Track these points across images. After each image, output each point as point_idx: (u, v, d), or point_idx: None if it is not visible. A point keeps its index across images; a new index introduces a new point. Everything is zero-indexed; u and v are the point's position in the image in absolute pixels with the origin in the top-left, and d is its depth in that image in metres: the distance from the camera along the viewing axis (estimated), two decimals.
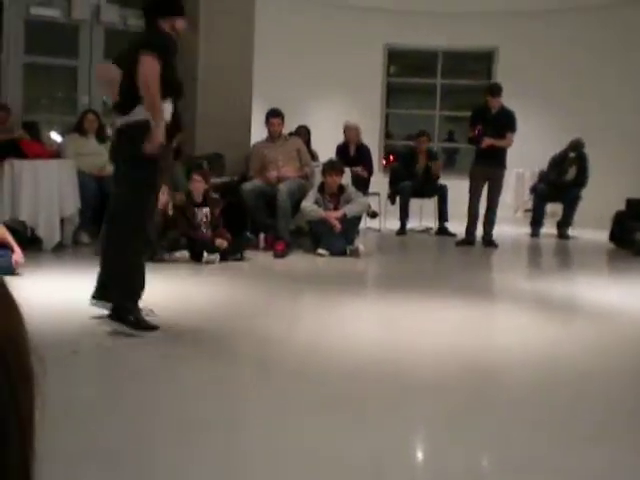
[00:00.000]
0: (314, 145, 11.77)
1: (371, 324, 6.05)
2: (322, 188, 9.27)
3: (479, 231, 10.32)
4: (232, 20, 10.66)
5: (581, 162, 11.68)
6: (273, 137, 9.82)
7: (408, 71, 16.41)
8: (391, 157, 14.95)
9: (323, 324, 5.77)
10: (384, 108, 15.55)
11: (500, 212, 10.60)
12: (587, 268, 9.33)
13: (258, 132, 10.57)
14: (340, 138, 11.98)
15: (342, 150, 11.79)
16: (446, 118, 16.16)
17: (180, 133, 10.37)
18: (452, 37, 14.61)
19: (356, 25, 14.40)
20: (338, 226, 8.97)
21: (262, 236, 9.48)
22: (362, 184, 11.13)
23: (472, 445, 3.47)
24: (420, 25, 14.52)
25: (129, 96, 5.19)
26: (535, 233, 11.60)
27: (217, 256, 8.16)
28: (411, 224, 11.67)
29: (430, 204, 11.70)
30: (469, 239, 10.31)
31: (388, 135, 15.95)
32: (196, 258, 8.11)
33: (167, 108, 5.29)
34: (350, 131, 11.91)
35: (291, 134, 10.57)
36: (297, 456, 3.26)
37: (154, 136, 5.04)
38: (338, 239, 9.00)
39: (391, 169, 12.56)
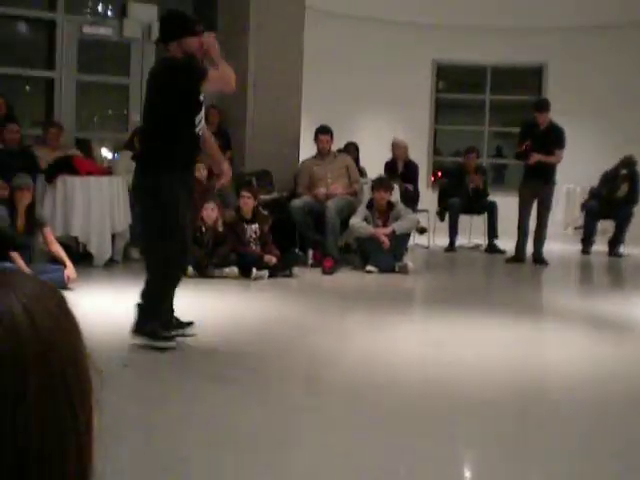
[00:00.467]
0: (362, 162, 11.78)
1: (420, 342, 6.01)
2: (371, 205, 9.26)
3: (529, 248, 10.22)
4: (281, 38, 10.72)
5: (633, 179, 11.53)
6: (322, 154, 9.84)
7: (457, 87, 16.35)
8: (439, 174, 14.89)
9: (372, 341, 5.75)
10: (432, 124, 15.51)
11: (550, 229, 10.48)
12: (639, 287, 9.18)
13: (307, 149, 10.60)
14: (388, 155, 11.97)
15: (390, 167, 11.78)
16: (495, 134, 16.06)
17: (229, 150, 10.51)
18: (501, 52, 14.54)
19: (405, 41, 14.39)
20: (387, 243, 8.95)
21: (311, 253, 9.49)
22: (411, 201, 11.10)
23: (520, 464, 3.43)
24: (469, 40, 14.47)
25: (151, 124, 5.30)
26: (586, 251, 11.45)
27: (266, 272, 8.18)
28: (460, 241, 11.59)
29: (479, 221, 11.62)
30: (519, 256, 10.21)
31: (436, 151, 15.89)
32: (245, 274, 8.14)
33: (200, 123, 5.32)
34: (398, 148, 11.90)
35: (340, 151, 10.58)
36: (345, 473, 3.25)
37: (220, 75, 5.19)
38: (387, 256, 8.97)
39: (440, 185, 12.51)
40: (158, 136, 5.14)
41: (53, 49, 10.80)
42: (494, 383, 4.68)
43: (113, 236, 8.80)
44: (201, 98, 5.24)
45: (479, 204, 11.54)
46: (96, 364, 0.92)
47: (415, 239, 10.99)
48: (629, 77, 13.94)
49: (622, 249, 11.34)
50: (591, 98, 14.11)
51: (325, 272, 8.77)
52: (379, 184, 9.36)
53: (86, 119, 12.04)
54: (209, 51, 5.21)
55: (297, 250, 9.50)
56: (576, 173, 12.48)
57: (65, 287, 6.95)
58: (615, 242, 11.41)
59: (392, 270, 8.91)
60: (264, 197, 9.42)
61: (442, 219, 11.72)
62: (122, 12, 11.17)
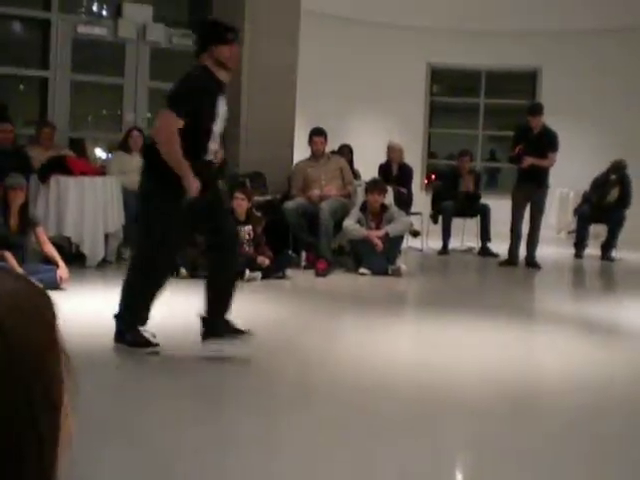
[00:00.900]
0: (356, 164, 11.79)
1: (412, 345, 6.02)
2: (364, 207, 9.27)
3: (522, 251, 10.24)
4: (276, 40, 10.72)
5: (623, 184, 11.56)
6: (316, 156, 9.84)
7: (451, 90, 16.38)
8: (433, 176, 14.92)
9: (364, 344, 5.75)
10: (427, 127, 15.53)
11: (543, 232, 10.50)
12: (631, 291, 9.20)
13: (301, 151, 10.60)
14: (382, 157, 11.98)
15: (385, 169, 11.79)
16: (489, 138, 16.09)
17: (222, 150, 10.49)
18: (496, 56, 14.58)
19: (400, 44, 14.41)
20: (380, 245, 8.95)
21: (304, 255, 9.50)
22: (404, 203, 11.12)
23: (513, 468, 3.43)
24: (463, 44, 14.50)
25: None
26: (579, 254, 11.48)
27: (259, 274, 8.18)
28: (453, 244, 11.60)
29: (473, 224, 11.64)
30: (512, 259, 10.23)
31: (431, 154, 15.91)
32: (238, 275, 8.13)
33: (212, 147, 5.13)
34: (394, 151, 11.92)
35: (334, 153, 10.59)
36: (332, 476, 3.25)
37: (186, 187, 4.88)
38: (380, 258, 8.98)
39: (434, 188, 12.51)
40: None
41: (47, 49, 10.79)
42: (487, 386, 4.69)
43: (106, 236, 8.79)
44: (217, 110, 5.03)
45: (472, 207, 11.56)
46: (70, 365, 0.88)
47: (408, 242, 10.99)
48: (623, 81, 13.98)
49: (614, 253, 11.37)
50: (585, 102, 14.15)
51: (318, 274, 8.77)
52: (373, 186, 9.37)
53: (80, 119, 12.03)
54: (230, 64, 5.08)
55: (290, 252, 9.49)
56: (569, 177, 12.52)
57: (57, 287, 6.94)
58: (607, 246, 11.44)
59: (385, 273, 8.91)
60: (258, 199, 9.42)
61: (435, 222, 11.73)
62: (117, 12, 11.17)
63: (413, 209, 11.65)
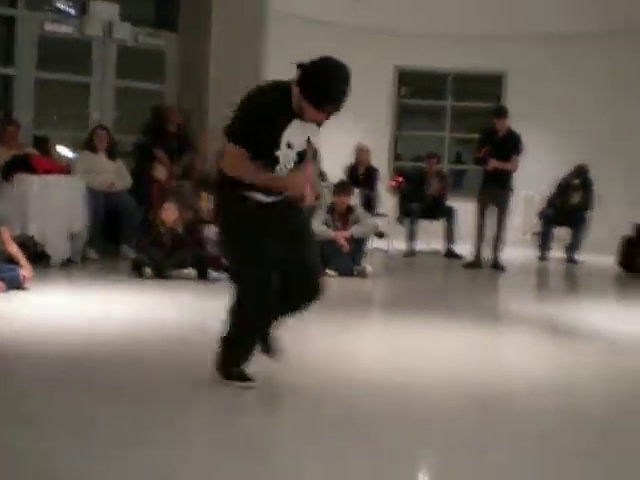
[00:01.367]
0: (323, 165, 11.80)
1: (377, 347, 6.02)
2: (331, 208, 9.28)
3: (487, 253, 10.30)
4: (243, 39, 10.71)
5: (586, 188, 11.71)
6: None
7: (419, 93, 16.44)
8: (400, 178, 14.96)
9: (330, 345, 5.74)
10: (394, 130, 15.57)
11: (508, 235, 10.58)
12: (595, 292, 9.29)
13: None
14: (349, 159, 12.00)
15: (352, 171, 11.82)
16: (456, 140, 16.17)
17: (189, 151, 10.46)
18: (462, 60, 14.64)
19: (367, 47, 14.43)
20: (346, 246, 8.97)
21: None
22: (371, 205, 11.16)
23: (479, 469, 3.45)
24: (431, 48, 14.55)
25: None
26: (543, 257, 11.59)
27: (224, 274, 8.15)
28: (419, 246, 11.65)
29: (438, 226, 11.69)
30: (477, 261, 10.29)
31: (398, 157, 15.96)
32: (203, 276, 8.11)
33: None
34: (362, 153, 11.96)
35: None
36: (299, 476, 3.25)
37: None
38: (346, 259, 8.99)
39: (400, 190, 12.57)
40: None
41: (12, 45, 10.67)
42: (453, 387, 4.70)
43: (71, 236, 8.71)
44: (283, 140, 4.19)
45: (438, 209, 11.62)
46: None
47: (374, 243, 11.02)
48: (588, 86, 14.10)
49: (578, 255, 11.48)
50: (550, 106, 14.26)
51: None
52: (340, 188, 9.39)
53: (45, 117, 11.92)
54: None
55: None
56: (534, 180, 12.60)
57: (21, 287, 6.88)
58: (571, 248, 11.56)
59: (351, 274, 8.93)
60: None
61: (401, 224, 11.78)
62: (83, 10, 11.09)
63: (380, 211, 11.69)
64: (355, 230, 9.12)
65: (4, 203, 8.27)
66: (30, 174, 8.49)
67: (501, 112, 10.39)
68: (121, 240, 9.46)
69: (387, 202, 12.42)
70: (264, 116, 4.12)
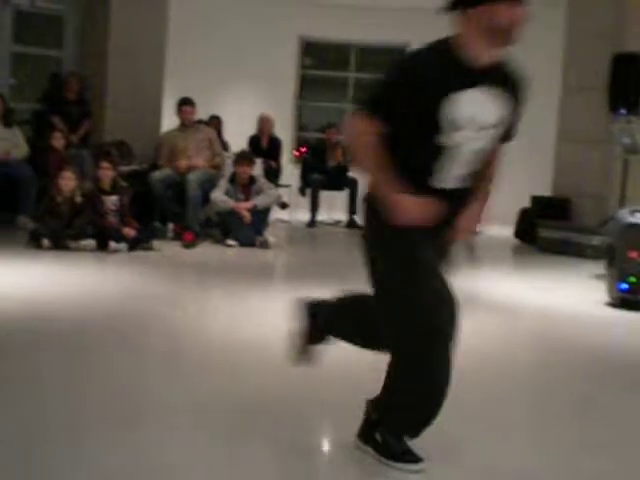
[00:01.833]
0: (226, 135, 11.74)
1: (279, 316, 6.06)
2: (233, 179, 9.25)
3: None
4: (144, 5, 10.54)
5: None
6: (185, 126, 9.73)
7: (322, 63, 16.45)
8: (303, 149, 14.99)
9: (233, 316, 5.76)
10: (297, 100, 15.57)
11: None
12: (492, 263, 9.51)
13: (169, 121, 10.48)
14: (252, 129, 11.96)
15: (254, 141, 11.79)
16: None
17: (88, 120, 10.28)
18: (366, 31, 14.70)
19: (271, 15, 14.37)
20: (248, 217, 8.97)
21: (171, 226, 9.43)
22: (273, 175, 11.16)
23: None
24: (335, 18, 14.56)
25: None
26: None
27: (125, 245, 8.07)
28: (321, 216, 11.72)
29: (341, 197, 11.78)
30: None
31: (302, 127, 15.98)
32: (103, 247, 8.01)
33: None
34: (264, 123, 11.93)
35: (200, 122, 10.47)
36: (195, 443, 3.27)
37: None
38: (247, 230, 9.00)
39: (302, 161, 12.60)
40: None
41: None
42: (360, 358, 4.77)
43: None
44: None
45: (340, 180, 11.70)
46: None
47: (276, 214, 11.05)
48: None
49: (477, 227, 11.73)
50: None
51: (185, 245, 8.72)
52: (242, 158, 9.37)
53: None
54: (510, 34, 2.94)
55: (157, 223, 9.41)
56: None
57: None
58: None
59: (252, 244, 8.95)
60: (123, 168, 9.27)
61: (303, 194, 11.83)
62: None
63: (282, 181, 11.71)
64: (257, 201, 9.12)
65: None
66: None
67: None
68: (18, 210, 9.25)
69: (290, 173, 12.44)
70: (420, 81, 2.91)
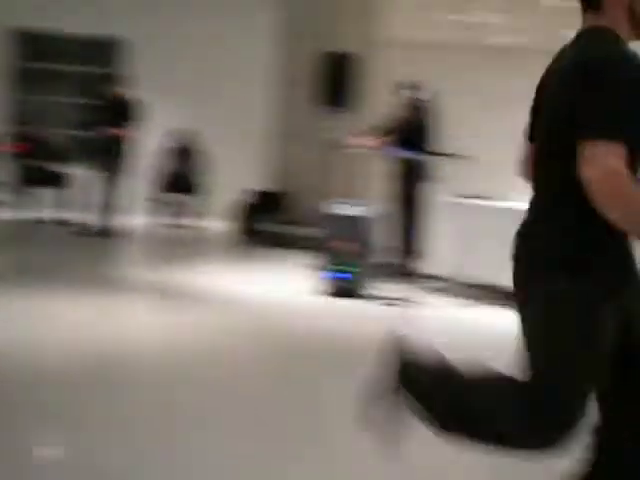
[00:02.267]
0: None
1: None
2: None
3: (109, 221, 10.22)
4: None
5: (193, 153, 12.03)
6: None
7: (39, 56, 15.77)
8: (23, 145, 14.32)
9: None
10: (11, 93, 14.84)
11: (128, 201, 10.57)
12: (213, 257, 9.56)
13: None
14: None
15: None
16: (78, 105, 15.74)
17: None
18: (79, 23, 14.25)
19: None
20: None
21: None
22: None
23: (101, 438, 3.41)
24: (47, 9, 14.02)
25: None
26: (162, 223, 11.74)
27: None
28: (32, 214, 11.27)
29: (50, 193, 11.40)
30: (87, 229, 10.20)
31: (23, 122, 15.22)
32: None
33: None
34: None
35: None
36: None
37: None
38: None
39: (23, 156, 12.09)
40: (570, 206, 2.37)
41: None
42: (71, 358, 4.62)
43: None
44: None
45: (49, 176, 11.39)
46: None
47: None
48: (202, 57, 14.26)
49: (197, 221, 11.79)
50: (170, 74, 14.26)
51: None
52: None
53: None
54: None
55: None
56: (154, 146, 12.59)
57: None
58: (187, 214, 11.88)
59: None
60: None
61: (18, 192, 11.36)
62: None
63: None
64: None
65: None
66: None
67: (115, 79, 10.43)
68: None
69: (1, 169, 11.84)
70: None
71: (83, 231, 10.15)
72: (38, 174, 11.21)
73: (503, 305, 7.15)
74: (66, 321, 5.61)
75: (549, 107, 2.41)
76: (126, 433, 3.51)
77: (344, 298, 6.98)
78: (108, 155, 10.10)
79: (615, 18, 2.40)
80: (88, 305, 6.15)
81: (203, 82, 13.61)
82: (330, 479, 3.19)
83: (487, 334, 6.23)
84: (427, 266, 7.98)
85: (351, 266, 7.05)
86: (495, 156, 9.82)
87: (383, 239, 7.83)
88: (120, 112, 10.15)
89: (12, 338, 4.98)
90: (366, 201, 7.76)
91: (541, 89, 2.51)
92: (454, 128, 9.13)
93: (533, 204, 2.48)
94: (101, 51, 15.43)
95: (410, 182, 8.38)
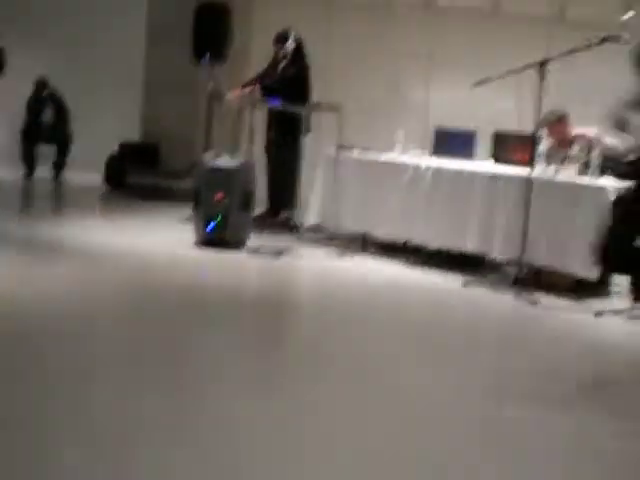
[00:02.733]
0: None
1: None
2: None
3: None
4: None
5: (55, 101, 11.66)
6: None
7: None
8: None
9: None
10: None
11: None
12: (80, 210, 9.34)
13: None
14: None
15: None
16: None
17: None
18: None
19: None
20: None
21: None
22: None
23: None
24: None
25: None
26: (28, 175, 11.38)
27: None
28: None
29: None
30: None
31: None
32: None
33: None
34: None
35: None
36: None
37: None
38: None
39: None
40: None
41: None
42: None
43: None
44: None
45: None
46: None
47: None
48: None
49: (64, 173, 11.49)
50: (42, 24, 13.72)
51: None
52: None
53: None
54: None
55: None
56: (19, 98, 12.12)
57: None
58: (57, 166, 11.54)
59: None
60: None
61: None
62: None
63: None
64: None
65: None
66: None
67: None
68: None
69: None
70: None
71: None
72: None
73: (375, 255, 7.33)
74: None
75: None
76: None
77: (219, 250, 6.94)
78: None
79: None
80: None
81: (75, 32, 13.16)
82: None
83: (359, 284, 6.35)
84: (302, 217, 8.03)
85: (226, 218, 7.02)
86: (369, 108, 9.98)
87: (259, 190, 7.83)
88: None
89: None
90: (241, 153, 7.72)
91: None
92: (330, 80, 9.20)
93: None
94: None
95: (285, 133, 8.40)
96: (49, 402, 3.24)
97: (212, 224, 7.01)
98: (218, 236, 7.02)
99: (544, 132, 6.95)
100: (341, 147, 7.77)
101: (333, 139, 7.87)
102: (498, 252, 6.59)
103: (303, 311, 5.66)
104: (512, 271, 6.49)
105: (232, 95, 8.36)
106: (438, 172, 7.08)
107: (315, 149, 8.21)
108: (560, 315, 5.68)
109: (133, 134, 11.41)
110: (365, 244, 7.56)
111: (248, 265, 6.70)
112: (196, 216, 7.17)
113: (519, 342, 4.62)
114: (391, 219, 7.24)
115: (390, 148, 7.74)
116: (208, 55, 9.55)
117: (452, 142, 7.63)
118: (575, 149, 6.90)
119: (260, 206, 8.18)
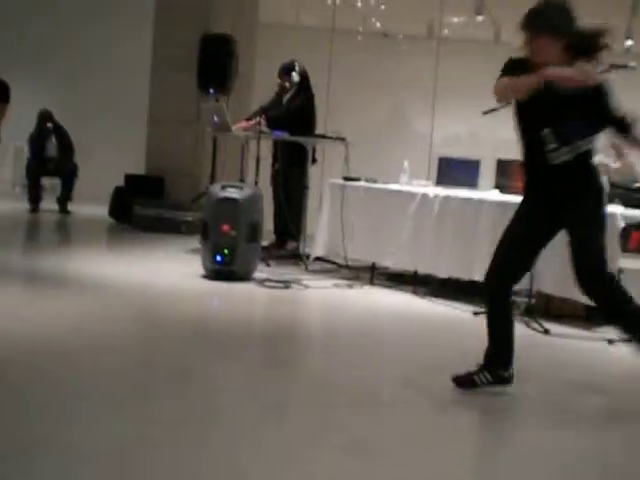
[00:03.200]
0: None
1: None
2: None
3: None
4: None
5: (60, 134, 11.68)
6: None
7: None
8: None
9: None
10: None
11: None
12: (87, 242, 9.35)
13: None
14: None
15: None
16: None
17: None
18: None
19: None
20: None
21: None
22: None
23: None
24: None
25: None
26: (34, 209, 11.38)
27: None
28: None
29: None
30: None
31: None
32: None
33: None
34: None
35: None
36: None
37: None
38: None
39: None
40: None
41: None
42: None
43: None
44: None
45: None
46: None
47: None
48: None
49: (70, 206, 11.49)
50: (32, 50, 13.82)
51: None
52: None
53: None
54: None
55: None
56: (25, 131, 12.20)
57: None
58: (63, 199, 11.55)
59: None
60: None
61: None
62: None
63: None
64: None
65: None
66: None
67: None
68: None
69: None
70: None
71: None
72: None
73: (383, 285, 7.32)
74: None
75: None
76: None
77: (226, 282, 6.92)
78: None
79: None
80: None
81: (76, 66, 13.26)
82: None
83: (367, 314, 6.33)
84: (309, 248, 8.03)
85: (233, 250, 7.00)
86: (374, 140, 10.03)
87: (265, 221, 7.82)
88: None
89: None
90: (247, 184, 7.73)
91: None
92: (333, 111, 9.24)
93: None
94: None
95: (291, 163, 8.42)
96: (53, 438, 3.22)
97: (220, 256, 6.99)
98: (226, 268, 7.00)
99: None
100: (347, 178, 7.77)
101: (338, 170, 7.89)
102: None
103: (312, 342, 5.63)
104: (522, 300, 6.46)
105: (238, 127, 8.39)
106: (445, 200, 7.04)
107: (321, 179, 8.23)
108: (572, 343, 5.66)
109: (138, 166, 11.43)
110: (373, 274, 7.54)
111: (256, 297, 6.68)
112: (204, 247, 7.15)
113: (529, 371, 4.59)
114: (399, 249, 7.21)
115: (395, 179, 7.74)
116: (213, 89, 9.60)
117: (456, 171, 7.64)
118: None
119: (267, 237, 8.17)
